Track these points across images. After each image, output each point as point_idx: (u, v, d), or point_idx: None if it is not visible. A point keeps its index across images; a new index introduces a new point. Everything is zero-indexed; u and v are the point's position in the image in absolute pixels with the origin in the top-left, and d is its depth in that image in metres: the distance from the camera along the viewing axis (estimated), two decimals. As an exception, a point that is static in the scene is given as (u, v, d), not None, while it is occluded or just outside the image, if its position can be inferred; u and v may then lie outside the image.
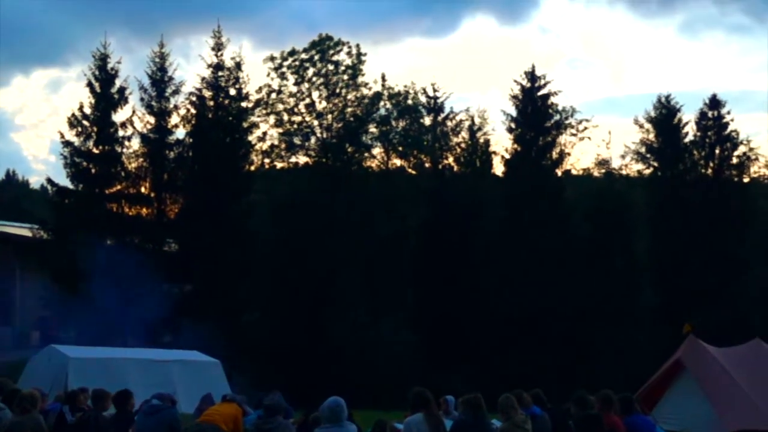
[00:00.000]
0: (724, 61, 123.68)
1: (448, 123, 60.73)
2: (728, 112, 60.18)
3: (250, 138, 54.49)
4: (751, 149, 60.82)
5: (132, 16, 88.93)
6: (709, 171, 59.87)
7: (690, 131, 60.37)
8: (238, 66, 52.60)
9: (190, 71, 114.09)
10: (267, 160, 58.77)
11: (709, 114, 60.21)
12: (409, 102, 60.68)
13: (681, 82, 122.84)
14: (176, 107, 51.36)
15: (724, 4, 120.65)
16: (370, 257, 52.22)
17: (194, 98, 51.86)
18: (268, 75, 58.76)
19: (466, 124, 60.28)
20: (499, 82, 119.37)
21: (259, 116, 57.39)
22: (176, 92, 51.18)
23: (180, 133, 51.71)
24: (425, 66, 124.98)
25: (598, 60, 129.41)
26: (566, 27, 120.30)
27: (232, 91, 52.62)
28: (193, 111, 51.87)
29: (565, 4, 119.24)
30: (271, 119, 58.51)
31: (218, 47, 52.38)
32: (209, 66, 52.20)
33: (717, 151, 59.87)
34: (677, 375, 29.05)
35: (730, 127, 60.07)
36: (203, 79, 52.04)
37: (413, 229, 56.89)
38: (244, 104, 53.77)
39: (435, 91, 60.37)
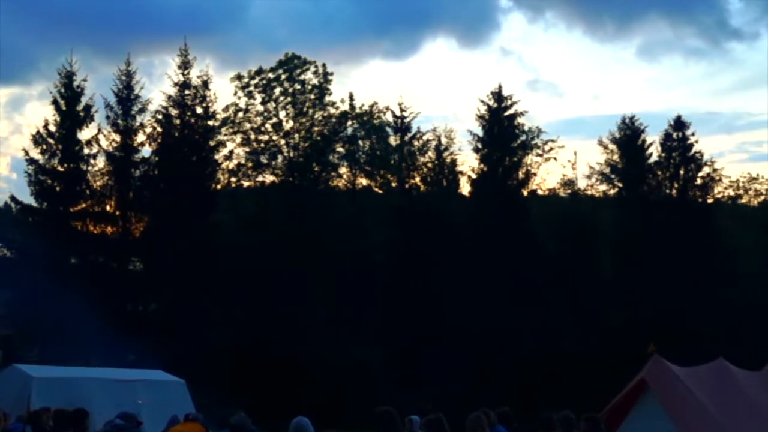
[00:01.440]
0: (688, 83, 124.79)
1: (415, 143, 60.75)
2: (692, 134, 60.80)
3: (216, 157, 54.42)
4: (715, 170, 61.41)
5: (94, 35, 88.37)
6: (674, 192, 60.19)
7: (654, 152, 60.81)
8: (205, 84, 52.61)
9: (153, 90, 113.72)
10: (233, 179, 58.52)
11: (674, 135, 60.60)
12: (376, 122, 60.70)
13: (646, 103, 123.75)
14: (142, 125, 51.34)
15: (678, 28, 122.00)
16: (336, 276, 52.07)
17: (160, 116, 51.76)
18: (235, 94, 58.74)
19: (433, 143, 60.36)
20: (463, 104, 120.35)
21: (225, 135, 57.20)
22: (142, 110, 51.15)
23: (146, 151, 51.66)
24: (388, 87, 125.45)
25: (561, 82, 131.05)
26: (528, 49, 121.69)
27: (199, 110, 52.58)
28: (159, 129, 51.78)
29: (525, 27, 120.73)
30: (238, 138, 58.38)
31: (185, 65, 52.38)
32: (175, 84, 52.17)
33: (681, 172, 60.24)
34: (641, 395, 29.13)
35: (695, 149, 60.59)
36: (169, 97, 51.99)
37: (380, 247, 56.85)
38: (210, 123, 53.73)
39: (402, 110, 60.38)
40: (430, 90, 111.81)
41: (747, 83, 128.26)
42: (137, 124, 51.06)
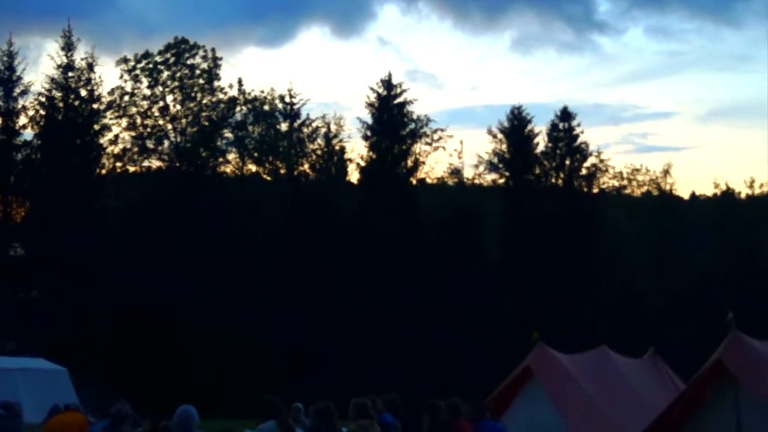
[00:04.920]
0: (573, 75, 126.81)
1: (305, 129, 60.44)
2: (578, 125, 61.55)
3: (101, 141, 53.57)
4: (601, 161, 62.34)
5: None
6: (560, 181, 60.92)
7: (541, 142, 61.43)
8: (90, 67, 51.61)
9: (35, 73, 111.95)
10: (119, 164, 57.38)
11: (560, 126, 61.32)
12: (266, 108, 60.19)
13: (533, 94, 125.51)
14: (24, 108, 50.13)
15: (547, 21, 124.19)
16: (224, 263, 51.58)
17: (43, 99, 50.63)
18: (121, 77, 57.49)
19: (322, 131, 60.13)
20: (344, 93, 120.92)
21: (110, 119, 56.07)
22: (24, 93, 50.01)
23: (28, 134, 50.45)
24: (265, 74, 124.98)
25: (440, 73, 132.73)
26: (405, 40, 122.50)
27: (83, 93, 51.56)
28: (42, 112, 50.63)
29: (400, 17, 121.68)
30: (124, 122, 57.22)
31: (68, 47, 51.27)
32: (59, 66, 51.10)
33: (567, 162, 60.98)
34: (526, 382, 29.50)
35: (581, 139, 61.36)
36: (52, 79, 50.85)
37: (269, 235, 56.43)
38: (95, 106, 52.70)
39: (291, 97, 59.98)
40: (310, 79, 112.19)
41: (634, 76, 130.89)
42: (19, 106, 49.97)
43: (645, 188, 70.10)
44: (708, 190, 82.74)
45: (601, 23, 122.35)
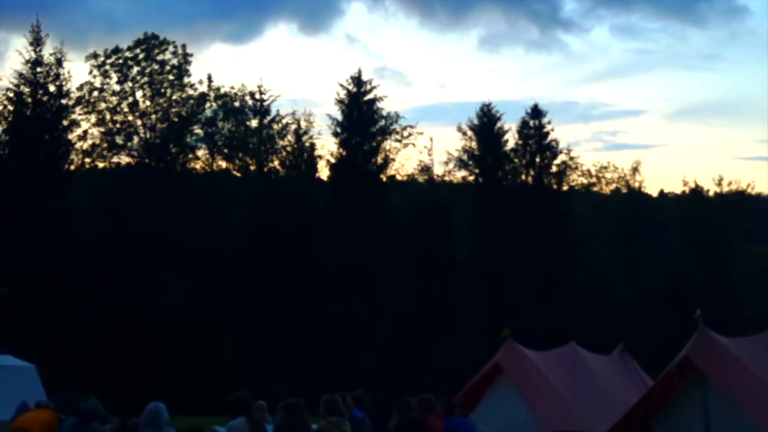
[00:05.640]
0: (544, 73, 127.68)
1: (275, 126, 60.32)
2: (549, 122, 61.73)
3: (70, 136, 53.17)
4: (570, 158, 62.55)
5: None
6: (530, 179, 61.04)
7: (512, 139, 61.57)
8: (59, 62, 51.29)
9: (2, 69, 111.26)
10: (88, 160, 57.03)
11: (531, 123, 61.46)
12: (236, 104, 59.99)
13: (502, 92, 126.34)
14: (-8, 103, 49.77)
15: (514, 20, 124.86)
16: (194, 259, 51.42)
17: (11, 94, 50.32)
18: (90, 72, 57.14)
19: (292, 127, 60.02)
20: (316, 89, 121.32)
21: (80, 114, 55.73)
22: (-8, 88, 49.64)
23: (-4, 129, 50.08)
24: (234, 71, 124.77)
25: (408, 70, 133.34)
26: (373, 37, 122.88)
27: (52, 88, 51.21)
28: (10, 108, 50.29)
29: (367, 15, 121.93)
30: (93, 118, 56.83)
31: (37, 42, 50.95)
32: (27, 62, 50.75)
33: (537, 160, 61.11)
34: (496, 378, 29.63)
35: (551, 137, 61.53)
36: (21, 75, 50.56)
37: (238, 231, 56.28)
38: (64, 101, 52.37)
39: (261, 93, 59.81)
40: (279, 75, 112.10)
41: (603, 74, 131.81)
42: (-14, 102, 49.58)
43: (614, 186, 70.46)
44: (677, 188, 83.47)
45: (567, 21, 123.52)
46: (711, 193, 68.87)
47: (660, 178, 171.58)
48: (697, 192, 68.81)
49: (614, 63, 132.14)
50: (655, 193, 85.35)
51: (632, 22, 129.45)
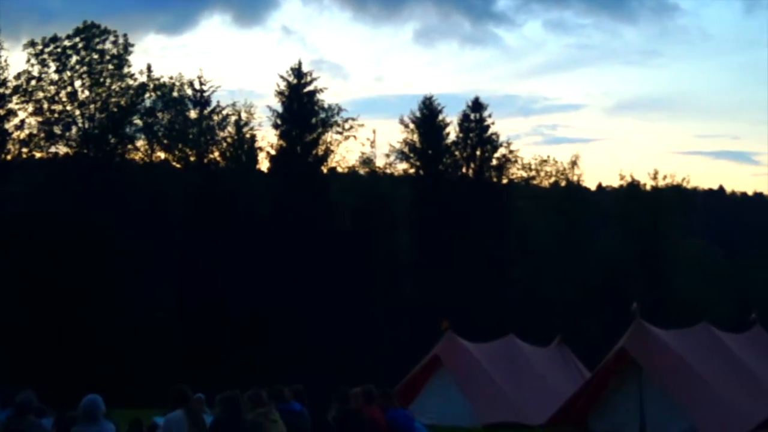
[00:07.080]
0: (482, 66, 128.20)
1: (215, 117, 59.90)
2: (489, 115, 61.97)
3: (7, 126, 52.46)
4: (511, 152, 62.81)
5: None
6: (470, 172, 61.30)
7: (453, 132, 61.75)
8: (-5, 50, 50.66)
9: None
10: (25, 150, 56.23)
11: (471, 116, 61.72)
12: (175, 94, 59.51)
13: (443, 85, 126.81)
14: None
15: (448, 15, 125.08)
16: (131, 251, 51.00)
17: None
18: (28, 61, 56.31)
19: (233, 119, 59.66)
20: (251, 80, 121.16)
21: (17, 104, 54.89)
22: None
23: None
24: (170, 62, 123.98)
25: (345, 63, 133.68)
26: (309, 30, 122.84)
27: (-12, 77, 50.64)
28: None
29: (302, 7, 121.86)
30: (30, 107, 55.99)
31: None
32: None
33: (478, 153, 61.39)
34: (435, 370, 29.86)
35: (491, 130, 61.81)
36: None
37: (177, 223, 55.88)
38: (0, 90, 51.70)
39: (201, 84, 59.27)
40: (218, 66, 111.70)
41: (543, 68, 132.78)
42: None
43: (553, 179, 71.07)
44: (614, 182, 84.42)
45: (500, 15, 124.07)
46: (647, 187, 69.65)
47: (599, 172, 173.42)
48: (633, 186, 69.58)
49: (552, 58, 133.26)
50: (593, 187, 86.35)
51: (565, 17, 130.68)
